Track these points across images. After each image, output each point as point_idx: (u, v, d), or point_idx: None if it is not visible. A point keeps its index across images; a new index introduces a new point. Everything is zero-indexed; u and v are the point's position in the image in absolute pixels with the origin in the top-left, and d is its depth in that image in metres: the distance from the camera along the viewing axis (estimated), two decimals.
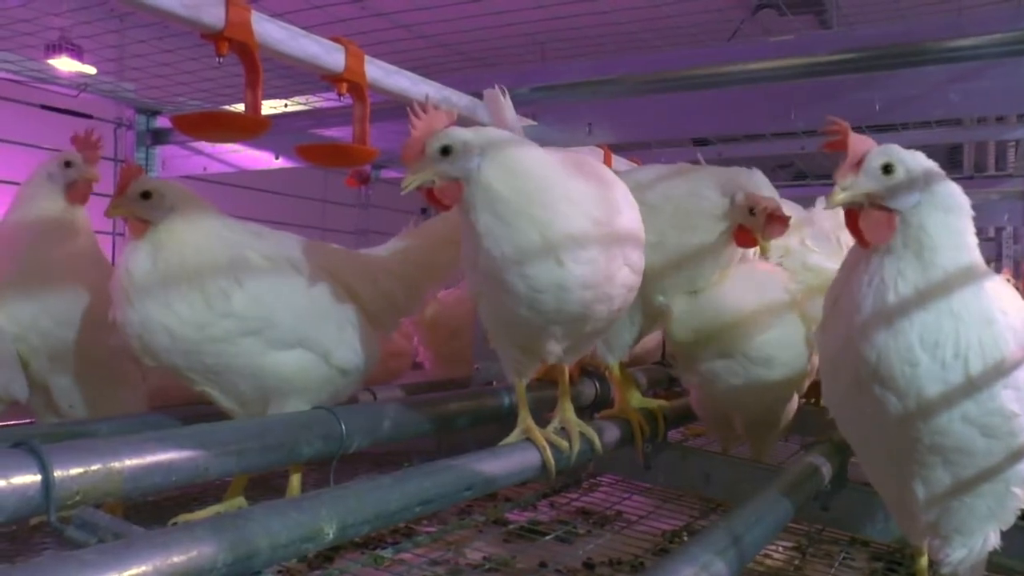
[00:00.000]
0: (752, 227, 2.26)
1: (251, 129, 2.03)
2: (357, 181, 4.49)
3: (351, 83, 2.23)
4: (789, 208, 2.42)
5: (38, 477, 1.38)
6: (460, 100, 2.69)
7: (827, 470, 2.13)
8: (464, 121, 2.69)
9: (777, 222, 2.25)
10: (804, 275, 2.53)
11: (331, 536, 1.39)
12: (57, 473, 1.40)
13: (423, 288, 2.43)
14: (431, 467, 1.68)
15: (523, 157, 1.76)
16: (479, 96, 2.76)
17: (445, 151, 1.71)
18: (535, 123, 2.95)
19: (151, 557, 1.15)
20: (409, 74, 2.49)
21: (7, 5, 2.93)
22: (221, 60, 1.90)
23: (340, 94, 2.23)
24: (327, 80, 2.25)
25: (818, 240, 2.64)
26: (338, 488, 1.50)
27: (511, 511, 2.62)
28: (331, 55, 2.18)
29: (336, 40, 2.22)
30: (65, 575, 1.06)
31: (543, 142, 3.17)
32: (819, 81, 2.77)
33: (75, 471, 1.43)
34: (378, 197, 4.61)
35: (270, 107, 3.23)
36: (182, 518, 1.96)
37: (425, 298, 2.52)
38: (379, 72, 2.34)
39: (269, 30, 2.00)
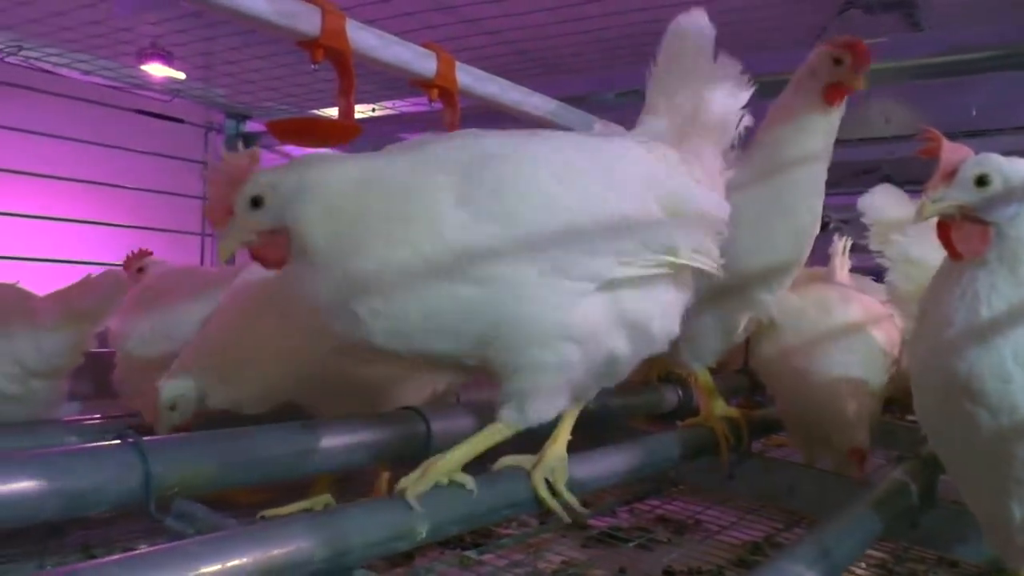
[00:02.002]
0: (842, 78, 2.15)
1: (343, 135, 2.06)
2: None
3: (442, 89, 2.26)
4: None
5: (139, 469, 1.43)
6: (547, 105, 2.70)
7: (916, 486, 2.08)
8: (552, 126, 2.72)
9: (861, 51, 2.14)
10: (906, 268, 2.46)
11: (424, 535, 1.41)
12: (155, 465, 1.45)
13: None
14: (519, 470, 1.69)
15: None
16: (566, 101, 2.78)
17: (256, 202, 1.41)
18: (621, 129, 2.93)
19: (251, 550, 1.18)
20: (499, 79, 2.52)
21: (101, 16, 3.01)
22: (316, 67, 1.94)
23: (431, 100, 2.26)
24: (417, 86, 2.28)
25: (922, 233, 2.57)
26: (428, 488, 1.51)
27: (591, 517, 2.61)
28: (423, 61, 2.21)
29: (427, 46, 2.25)
30: (173, 565, 1.10)
31: None
32: (910, 85, 2.71)
33: (172, 464, 1.48)
34: None
35: (358, 112, 3.29)
36: (269, 513, 1.99)
37: None
38: (469, 78, 2.36)
39: (363, 37, 2.04)
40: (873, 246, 2.51)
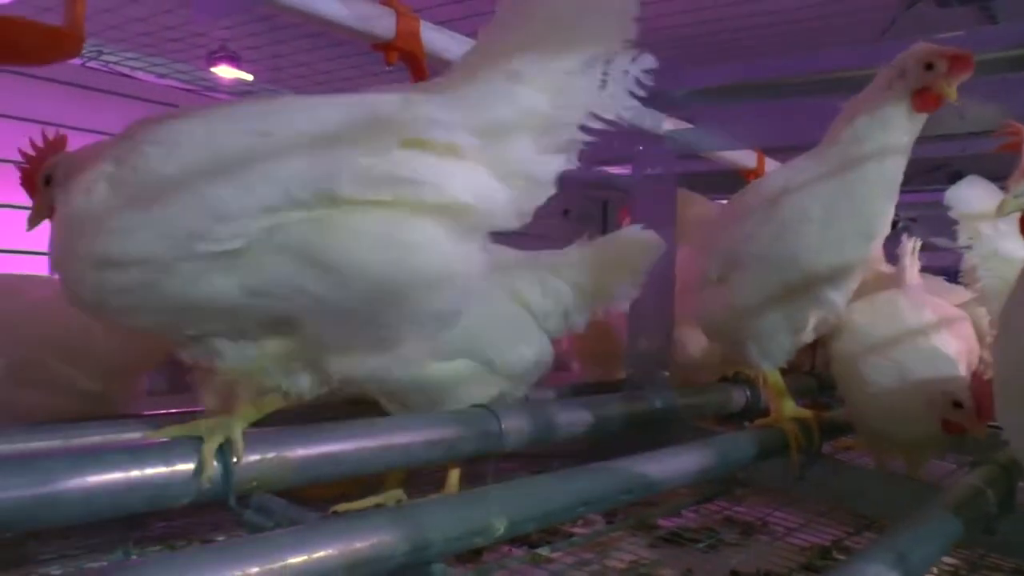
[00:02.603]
0: (932, 85, 2.08)
1: None
2: None
3: None
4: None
5: (219, 463, 1.47)
6: None
7: (993, 492, 2.04)
8: (623, 124, 2.72)
9: (961, 60, 2.05)
10: (994, 263, 2.41)
11: (501, 531, 1.43)
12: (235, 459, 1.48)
13: (593, 302, 2.38)
14: (592, 468, 1.70)
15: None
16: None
17: (47, 180, 1.53)
18: (690, 126, 2.93)
19: (335, 542, 1.21)
20: None
21: (178, 21, 3.08)
22: (391, 68, 1.97)
23: None
24: None
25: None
26: (504, 485, 1.54)
27: (659, 517, 2.60)
28: None
29: None
30: (261, 555, 1.13)
31: (698, 146, 3.16)
32: (986, 79, 2.64)
33: (252, 459, 1.51)
34: None
35: None
36: (342, 507, 2.03)
37: (593, 313, 2.43)
38: None
39: (436, 38, 2.06)
40: (961, 241, 2.46)
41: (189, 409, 2.44)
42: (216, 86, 3.97)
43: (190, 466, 1.40)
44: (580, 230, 2.60)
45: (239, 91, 3.99)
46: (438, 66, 2.13)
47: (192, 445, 1.43)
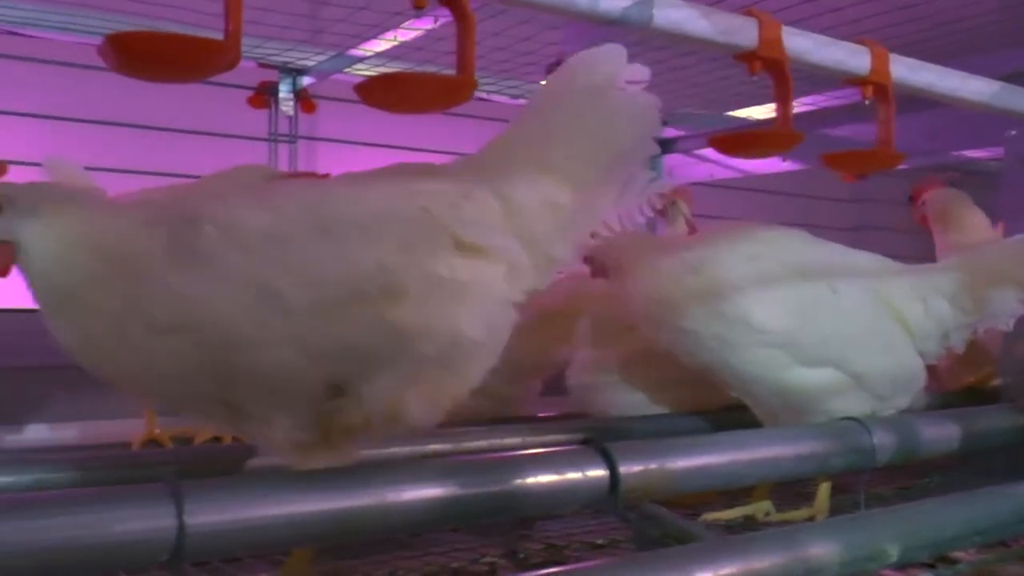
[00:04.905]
0: None
1: (785, 143, 2.06)
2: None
3: (876, 84, 2.17)
4: None
5: (606, 472, 1.54)
6: (988, 88, 2.48)
7: None
8: (990, 111, 2.50)
9: None
10: None
11: (894, 558, 1.38)
12: (622, 470, 1.56)
13: (975, 320, 2.23)
14: (987, 493, 1.59)
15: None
16: (1010, 80, 2.55)
17: None
18: None
19: (736, 561, 1.24)
20: (933, 67, 2.35)
21: (518, 33, 3.17)
22: (756, 77, 1.96)
23: (865, 98, 2.18)
24: (849, 83, 2.21)
25: None
26: (892, 510, 1.48)
27: None
28: (856, 58, 2.14)
29: (860, 42, 2.17)
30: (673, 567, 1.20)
31: None
32: None
33: (636, 469, 1.57)
34: (874, 191, 4.39)
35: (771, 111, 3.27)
36: (711, 516, 2.05)
37: (974, 333, 2.29)
38: (904, 69, 2.24)
39: (797, 43, 2.02)
40: None
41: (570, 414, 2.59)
42: None
43: (600, 473, 1.50)
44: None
45: None
46: (803, 69, 2.09)
47: (578, 456, 1.52)
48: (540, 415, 2.61)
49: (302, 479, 1.29)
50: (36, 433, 2.67)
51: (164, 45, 1.50)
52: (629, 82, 1.47)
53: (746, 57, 1.96)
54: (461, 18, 1.65)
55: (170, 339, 1.30)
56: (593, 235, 1.68)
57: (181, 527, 1.09)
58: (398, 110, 1.86)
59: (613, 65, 1.48)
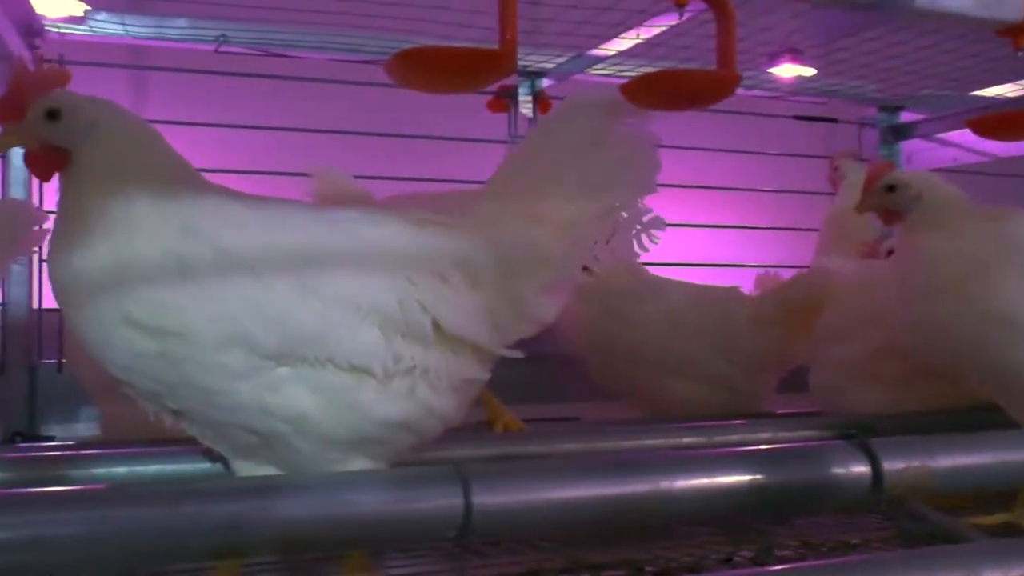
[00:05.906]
0: None
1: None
2: None
3: None
4: None
5: (868, 469, 1.51)
6: None
7: None
8: None
9: None
10: None
11: None
12: (886, 466, 1.51)
13: None
14: None
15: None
16: None
17: (52, 115, 1.36)
18: None
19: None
20: None
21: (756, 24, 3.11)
22: (1022, 53, 1.85)
23: None
24: None
25: None
26: None
27: None
28: None
29: None
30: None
31: None
32: None
33: (898, 466, 1.53)
34: None
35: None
36: (973, 520, 1.94)
37: None
38: None
39: None
40: None
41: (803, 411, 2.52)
42: (777, 87, 3.98)
43: (863, 469, 1.49)
44: None
45: (799, 90, 3.96)
46: None
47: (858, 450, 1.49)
48: (779, 412, 2.55)
49: (578, 467, 1.34)
50: None
51: (448, 58, 1.58)
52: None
53: (1010, 31, 1.85)
54: (721, 12, 1.65)
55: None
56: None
57: (468, 506, 1.18)
58: (662, 109, 1.85)
59: (610, 109, 1.48)
